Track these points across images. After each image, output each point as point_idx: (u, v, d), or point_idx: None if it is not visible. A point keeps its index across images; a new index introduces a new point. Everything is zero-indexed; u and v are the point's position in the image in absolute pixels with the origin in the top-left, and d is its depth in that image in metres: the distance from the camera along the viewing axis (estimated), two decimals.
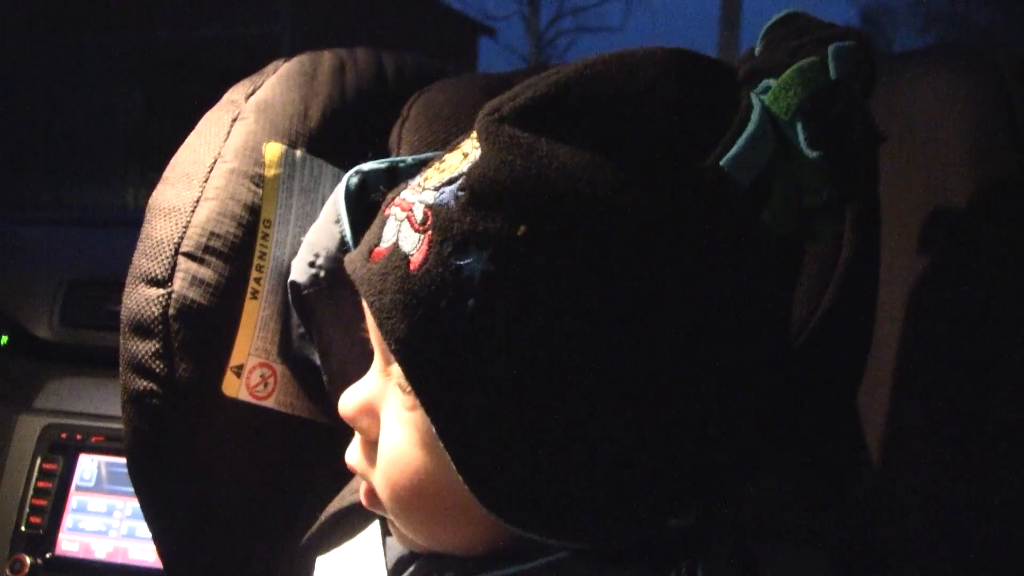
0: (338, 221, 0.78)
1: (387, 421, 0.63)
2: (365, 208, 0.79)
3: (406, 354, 0.56)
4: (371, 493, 0.66)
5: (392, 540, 0.73)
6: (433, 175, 0.59)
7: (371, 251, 0.60)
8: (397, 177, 0.78)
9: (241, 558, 0.80)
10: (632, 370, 0.54)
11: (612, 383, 0.54)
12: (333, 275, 0.77)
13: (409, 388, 0.58)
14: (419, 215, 0.57)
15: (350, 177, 0.79)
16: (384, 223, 0.60)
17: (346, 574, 0.73)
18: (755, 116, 0.55)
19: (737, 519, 0.65)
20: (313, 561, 0.76)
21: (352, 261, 0.62)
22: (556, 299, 0.53)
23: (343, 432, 0.81)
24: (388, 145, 0.91)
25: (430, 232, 0.55)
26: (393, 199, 0.62)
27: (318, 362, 0.80)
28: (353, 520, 0.75)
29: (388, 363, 0.63)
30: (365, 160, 0.84)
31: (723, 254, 0.55)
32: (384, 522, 0.74)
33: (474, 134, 0.58)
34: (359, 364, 0.76)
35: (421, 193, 0.58)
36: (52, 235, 1.72)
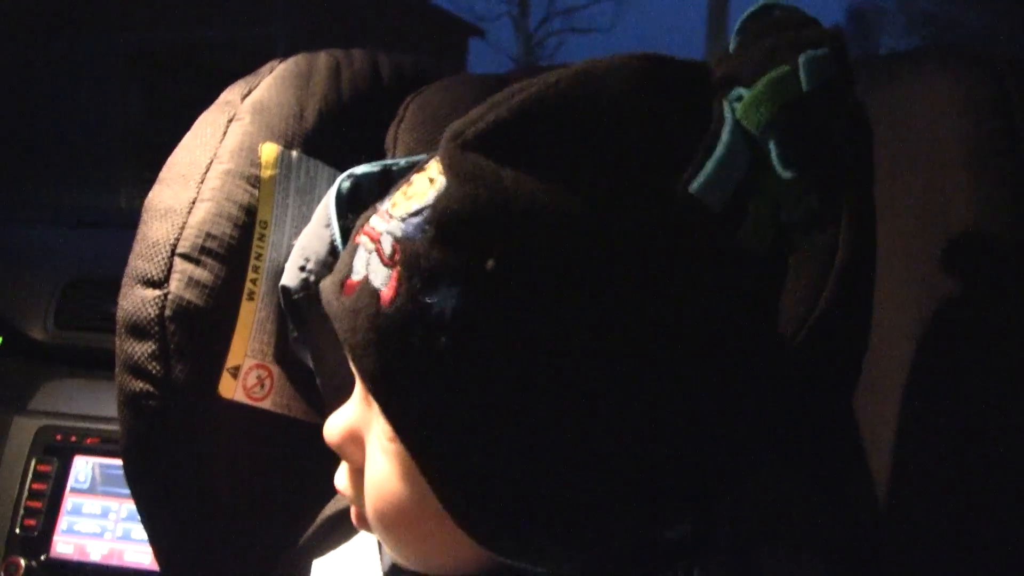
0: (328, 225, 0.77)
1: (371, 450, 0.63)
2: (357, 211, 0.78)
3: (380, 391, 0.55)
4: (360, 515, 0.66)
5: None
6: (400, 202, 0.57)
7: (343, 283, 0.59)
8: (391, 180, 0.78)
9: (237, 560, 0.80)
10: (611, 397, 0.53)
11: (591, 411, 0.53)
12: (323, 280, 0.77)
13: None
14: (387, 248, 0.56)
15: (342, 181, 0.79)
16: (354, 253, 0.59)
17: (342, 575, 0.73)
18: (725, 136, 0.53)
19: (735, 521, 0.65)
20: (310, 564, 0.76)
21: (326, 292, 0.61)
22: (529, 331, 0.52)
23: None
24: (384, 146, 0.91)
25: (399, 267, 0.54)
26: (362, 227, 0.60)
27: (312, 366, 0.80)
28: (349, 523, 0.75)
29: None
30: (361, 160, 0.84)
31: (699, 275, 0.53)
32: None
33: (437, 159, 0.57)
34: (351, 369, 0.76)
35: (389, 223, 0.57)
36: (48, 236, 1.71)
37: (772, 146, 0.52)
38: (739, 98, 0.54)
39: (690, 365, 0.54)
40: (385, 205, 0.59)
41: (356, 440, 0.64)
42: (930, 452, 0.69)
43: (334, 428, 0.65)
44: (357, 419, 0.64)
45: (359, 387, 0.64)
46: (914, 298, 0.72)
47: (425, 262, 0.53)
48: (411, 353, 0.53)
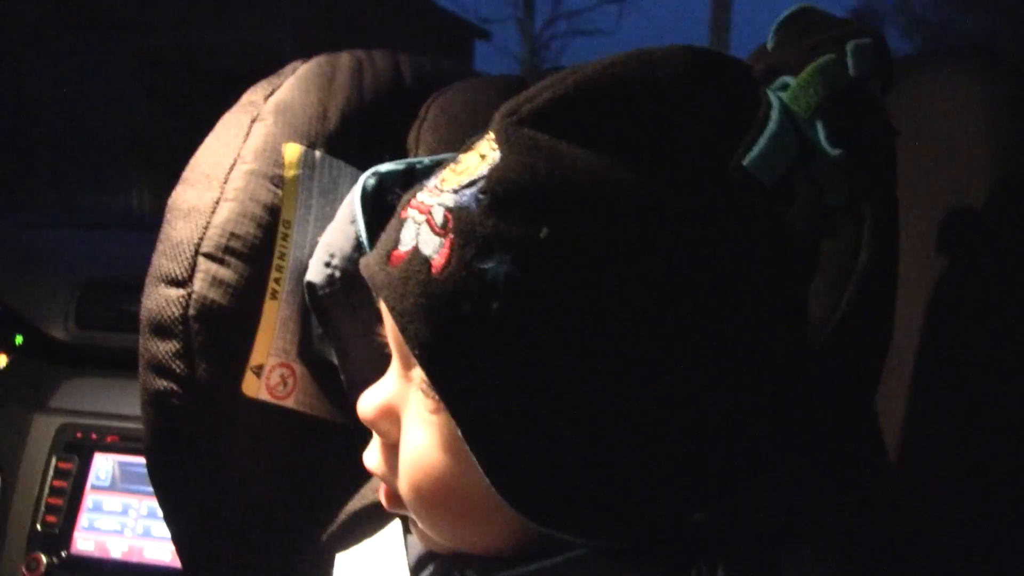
0: (354, 222, 0.78)
1: (409, 424, 0.63)
2: (381, 209, 0.79)
3: (429, 358, 0.56)
4: (392, 495, 0.66)
5: (413, 538, 0.73)
6: (450, 177, 0.59)
7: (389, 254, 0.60)
8: (414, 178, 0.78)
9: (260, 557, 0.81)
10: (658, 368, 0.54)
11: (638, 381, 0.54)
12: (348, 276, 0.77)
13: (432, 391, 0.59)
14: (439, 218, 0.57)
15: (367, 178, 0.79)
16: (401, 226, 0.61)
17: (367, 571, 0.73)
18: (775, 115, 0.55)
19: (758, 520, 0.65)
20: (333, 558, 0.76)
21: (368, 265, 0.63)
22: (580, 301, 0.53)
23: (362, 432, 0.81)
24: (406, 146, 0.91)
25: (451, 235, 0.55)
26: (409, 201, 0.62)
27: (336, 362, 0.80)
28: (374, 518, 0.75)
29: (408, 367, 0.64)
30: (383, 160, 0.84)
31: (749, 254, 0.55)
32: (405, 520, 0.74)
33: (490, 135, 0.58)
34: (377, 364, 0.76)
35: (439, 196, 0.58)
36: (67, 237, 1.73)
37: (821, 127, 0.56)
38: (784, 86, 0.57)
39: (735, 334, 0.55)
40: (433, 182, 0.60)
41: (391, 415, 0.65)
42: (951, 453, 0.69)
43: (369, 403, 0.65)
44: (394, 394, 0.65)
45: (396, 363, 0.65)
46: (936, 300, 0.72)
47: (480, 229, 0.54)
48: (462, 319, 0.54)
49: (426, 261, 0.56)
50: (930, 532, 0.70)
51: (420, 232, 0.58)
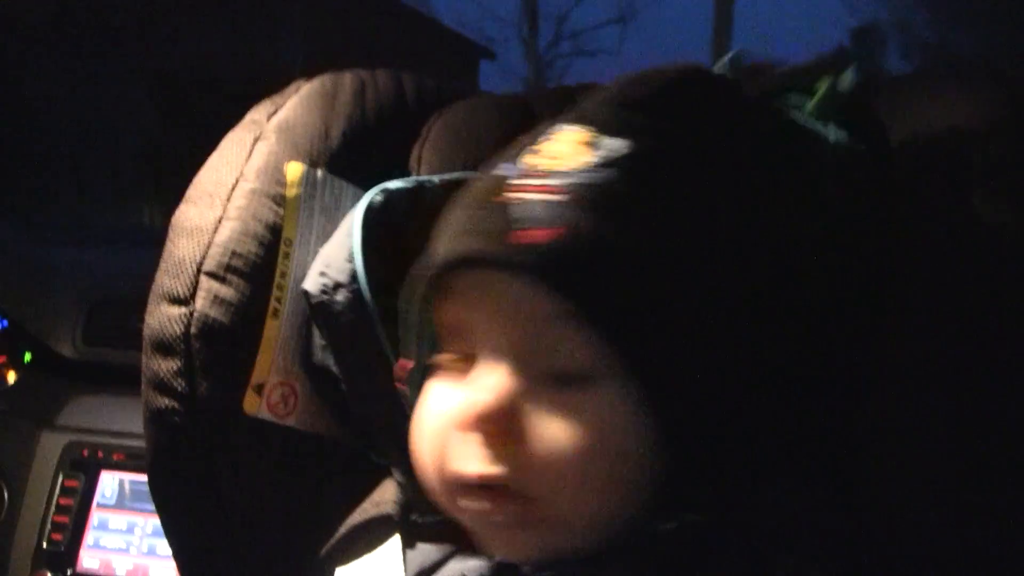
0: (351, 235, 0.78)
1: (550, 412, 0.62)
2: (385, 227, 0.79)
3: (603, 311, 0.60)
4: (511, 499, 0.64)
5: (412, 553, 0.73)
6: (545, 162, 0.64)
7: (505, 234, 0.61)
8: (422, 196, 0.79)
9: (261, 572, 0.81)
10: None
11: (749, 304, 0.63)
12: (340, 286, 0.77)
13: (567, 377, 0.62)
14: (561, 192, 0.61)
15: (375, 195, 0.80)
16: (505, 210, 0.62)
17: None
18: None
19: (743, 530, 0.65)
20: (332, 572, 0.76)
21: (487, 247, 0.62)
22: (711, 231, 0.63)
23: (362, 450, 0.82)
24: (408, 165, 0.92)
25: (574, 207, 0.60)
26: (502, 191, 0.63)
27: (337, 372, 0.80)
28: (373, 533, 0.75)
29: (528, 358, 0.63)
30: (385, 179, 0.84)
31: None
32: (406, 533, 0.74)
33: (578, 128, 0.65)
34: (377, 375, 0.76)
35: (546, 178, 0.62)
36: (75, 255, 1.73)
37: (838, 123, 0.70)
38: (791, 99, 0.72)
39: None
40: (516, 172, 0.64)
41: (517, 410, 0.63)
42: (946, 464, 0.69)
43: (494, 405, 0.62)
44: (513, 387, 0.63)
45: (503, 361, 0.64)
46: (930, 317, 0.72)
47: (606, 197, 0.61)
48: (610, 271, 0.60)
49: (558, 229, 0.60)
50: (923, 542, 0.70)
51: (534, 208, 0.61)
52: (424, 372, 0.70)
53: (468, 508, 0.65)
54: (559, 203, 0.61)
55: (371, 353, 0.76)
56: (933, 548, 0.69)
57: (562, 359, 0.62)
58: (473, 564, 0.70)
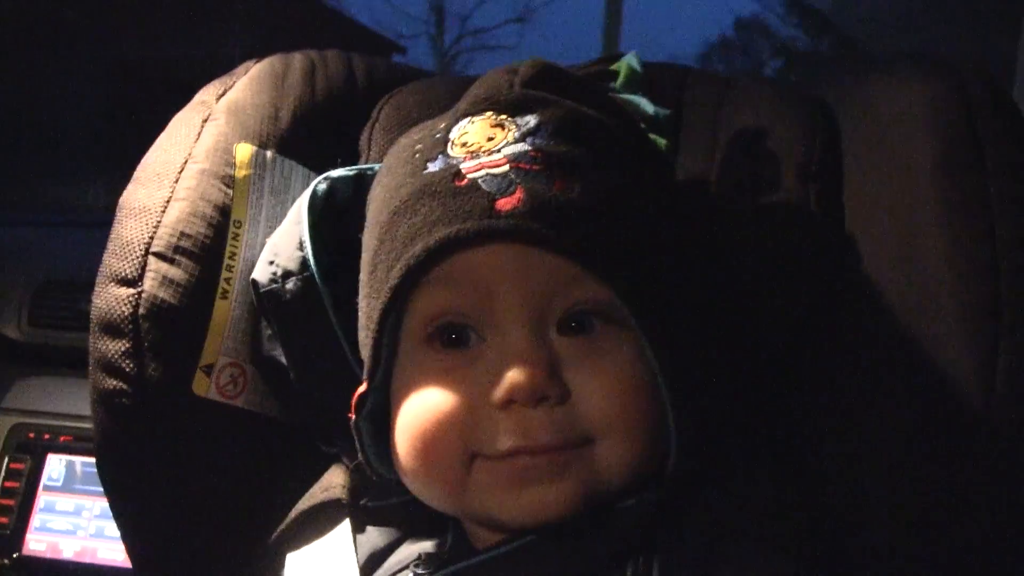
0: (300, 223, 0.78)
1: (587, 367, 0.65)
2: (331, 213, 0.79)
3: (604, 257, 0.64)
4: (556, 450, 0.64)
5: (363, 537, 0.73)
6: (483, 143, 0.67)
7: (494, 203, 0.63)
8: (364, 184, 0.79)
9: (210, 556, 0.81)
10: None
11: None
12: (289, 274, 0.77)
13: (581, 327, 0.65)
14: (527, 159, 0.65)
15: (318, 183, 0.80)
16: (474, 190, 0.64)
17: (316, 570, 0.74)
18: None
19: (700, 519, 0.66)
20: (284, 558, 0.76)
21: (475, 219, 0.63)
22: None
23: (311, 431, 0.82)
24: (359, 147, 0.92)
25: (544, 166, 0.65)
26: (463, 171, 0.65)
27: (284, 361, 0.80)
28: (323, 518, 0.76)
29: (543, 317, 0.65)
30: (335, 160, 0.84)
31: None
32: (356, 518, 0.74)
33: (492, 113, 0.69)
34: (324, 361, 0.76)
35: (498, 153, 0.65)
36: (20, 235, 1.70)
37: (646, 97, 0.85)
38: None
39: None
40: (460, 153, 0.67)
41: (555, 376, 0.64)
42: (892, 450, 0.71)
43: (536, 378, 0.63)
44: (545, 357, 0.64)
45: (526, 330, 0.64)
46: (879, 297, 0.74)
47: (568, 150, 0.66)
48: (590, 214, 0.64)
49: (545, 185, 0.64)
50: (880, 538, 0.71)
51: (511, 176, 0.64)
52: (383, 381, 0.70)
53: (497, 471, 0.65)
54: (520, 169, 0.64)
55: (320, 341, 0.77)
56: (888, 535, 0.71)
57: (574, 308, 0.65)
58: (427, 545, 0.71)
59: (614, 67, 0.90)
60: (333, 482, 0.77)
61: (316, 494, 0.77)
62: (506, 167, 0.65)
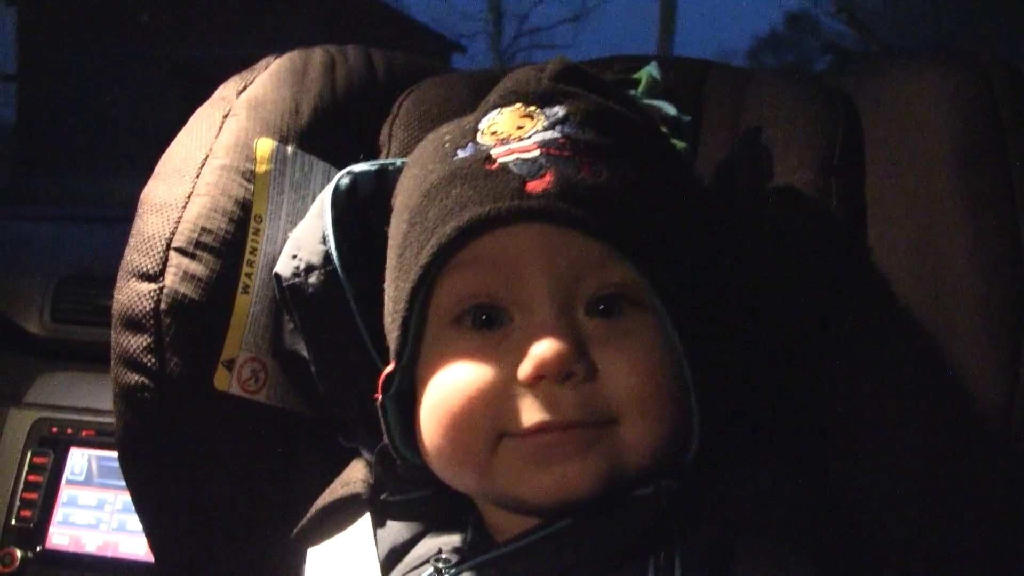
0: (322, 217, 0.78)
1: (602, 340, 0.65)
2: (353, 208, 0.79)
3: (627, 234, 0.65)
4: (598, 439, 0.65)
5: (383, 532, 0.73)
6: (513, 131, 0.68)
7: (524, 185, 0.65)
8: (386, 178, 0.79)
9: (231, 550, 0.81)
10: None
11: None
12: (313, 268, 0.77)
13: (608, 308, 0.66)
14: (555, 145, 0.67)
15: (341, 177, 0.80)
16: (505, 174, 0.65)
17: (337, 565, 0.74)
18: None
19: (717, 513, 0.66)
20: (304, 553, 0.76)
21: (511, 203, 0.64)
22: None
23: (332, 426, 0.82)
24: (378, 142, 0.92)
25: (570, 152, 0.66)
26: (494, 156, 0.67)
27: (306, 355, 0.80)
28: (343, 513, 0.76)
29: (570, 299, 0.66)
30: (355, 155, 0.84)
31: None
32: (376, 513, 0.74)
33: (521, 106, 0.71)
34: (348, 355, 0.77)
35: (526, 140, 0.67)
36: (43, 231, 1.72)
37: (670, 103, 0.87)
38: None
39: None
40: (490, 140, 0.69)
41: (584, 350, 0.65)
42: (909, 445, 0.70)
43: (563, 357, 0.63)
44: (568, 326, 0.65)
45: (551, 312, 0.65)
46: (901, 290, 0.73)
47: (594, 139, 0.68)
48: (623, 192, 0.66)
49: (573, 169, 0.65)
50: (894, 529, 0.71)
51: (540, 160, 0.65)
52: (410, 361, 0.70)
53: (522, 449, 0.65)
54: (549, 155, 0.66)
55: (342, 334, 0.77)
56: (899, 529, 0.70)
57: (602, 291, 0.66)
58: (448, 539, 0.71)
59: (635, 76, 0.91)
60: (353, 477, 0.77)
61: (336, 489, 0.77)
62: (536, 152, 0.66)
